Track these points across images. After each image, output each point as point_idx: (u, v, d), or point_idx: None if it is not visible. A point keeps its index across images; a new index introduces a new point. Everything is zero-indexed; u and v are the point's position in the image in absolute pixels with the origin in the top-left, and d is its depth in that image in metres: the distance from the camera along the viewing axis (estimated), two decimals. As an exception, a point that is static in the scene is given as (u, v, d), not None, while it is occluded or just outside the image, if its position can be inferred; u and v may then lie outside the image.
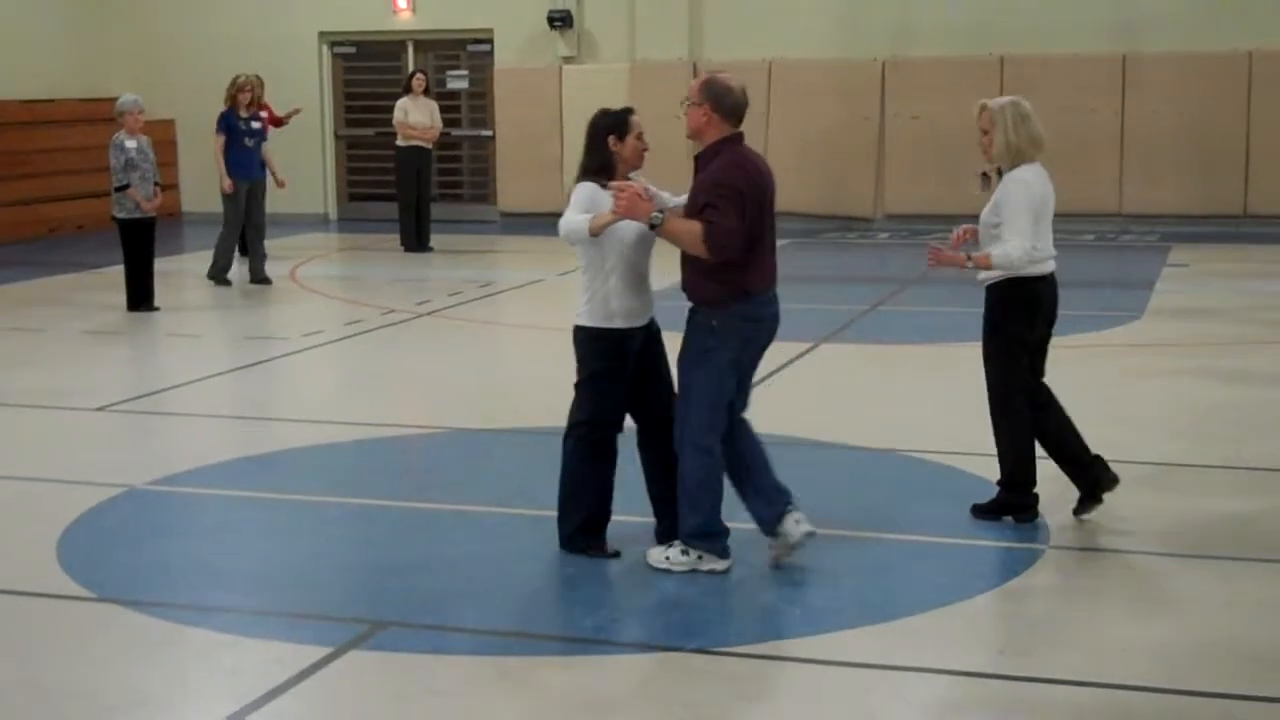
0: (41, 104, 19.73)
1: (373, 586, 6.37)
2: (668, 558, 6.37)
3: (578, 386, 6.52)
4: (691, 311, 6.36)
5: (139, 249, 13.26)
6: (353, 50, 21.40)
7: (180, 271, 15.66)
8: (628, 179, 6.33)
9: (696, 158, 6.35)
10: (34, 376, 10.69)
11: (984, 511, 7.04)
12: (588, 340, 6.44)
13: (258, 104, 15.54)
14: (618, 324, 6.38)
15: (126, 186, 13.10)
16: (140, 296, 13.30)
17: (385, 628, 5.82)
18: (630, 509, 6.72)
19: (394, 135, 17.80)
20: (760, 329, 6.35)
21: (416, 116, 17.58)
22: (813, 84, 19.27)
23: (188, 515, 7.52)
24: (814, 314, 12.57)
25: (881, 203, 19.46)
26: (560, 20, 20.02)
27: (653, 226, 6.19)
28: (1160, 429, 8.85)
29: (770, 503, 6.40)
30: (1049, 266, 6.94)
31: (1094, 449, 7.05)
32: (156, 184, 13.38)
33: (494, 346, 12.24)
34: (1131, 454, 8.00)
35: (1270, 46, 18.06)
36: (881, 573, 6.44)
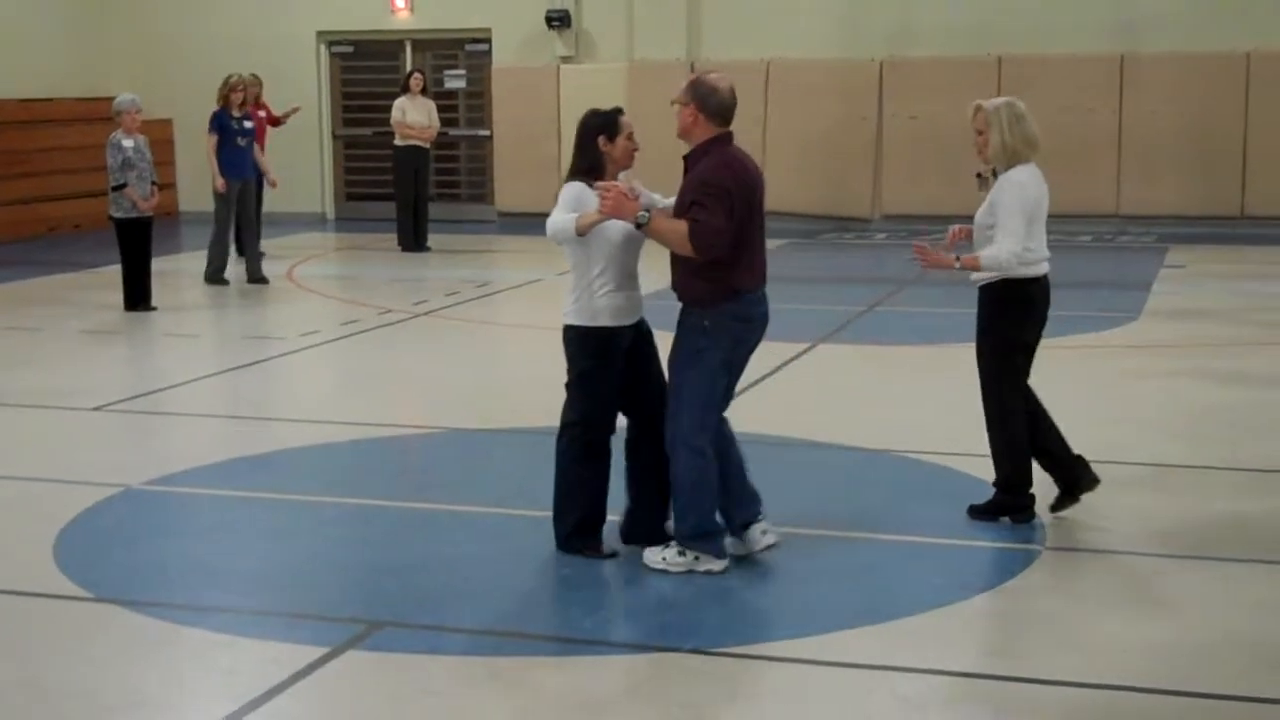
0: (40, 103, 19.72)
1: (370, 586, 6.37)
2: (664, 558, 6.37)
3: (568, 386, 6.52)
4: (683, 312, 6.36)
5: (136, 248, 13.26)
6: (350, 50, 21.39)
7: (177, 271, 15.65)
8: (617, 179, 6.34)
9: (685, 158, 6.36)
10: (31, 376, 10.68)
11: (980, 512, 7.03)
12: (576, 339, 6.45)
13: (253, 104, 15.54)
14: (605, 322, 6.38)
15: (123, 186, 13.09)
16: (137, 296, 13.30)
17: (382, 628, 5.82)
18: (627, 509, 6.72)
19: (392, 135, 17.79)
20: (751, 329, 6.36)
21: (414, 116, 17.57)
22: (811, 84, 19.25)
23: (185, 515, 7.52)
24: (811, 314, 12.57)
25: (879, 203, 19.44)
26: (558, 20, 20.02)
27: (639, 225, 6.19)
28: (1157, 430, 8.85)
29: (741, 505, 6.43)
30: (1043, 268, 6.92)
31: (1091, 450, 7.05)
32: (154, 183, 13.37)
33: (491, 346, 12.24)
34: (1128, 455, 8.01)
35: (1269, 47, 18.06)
36: (878, 573, 6.44)
